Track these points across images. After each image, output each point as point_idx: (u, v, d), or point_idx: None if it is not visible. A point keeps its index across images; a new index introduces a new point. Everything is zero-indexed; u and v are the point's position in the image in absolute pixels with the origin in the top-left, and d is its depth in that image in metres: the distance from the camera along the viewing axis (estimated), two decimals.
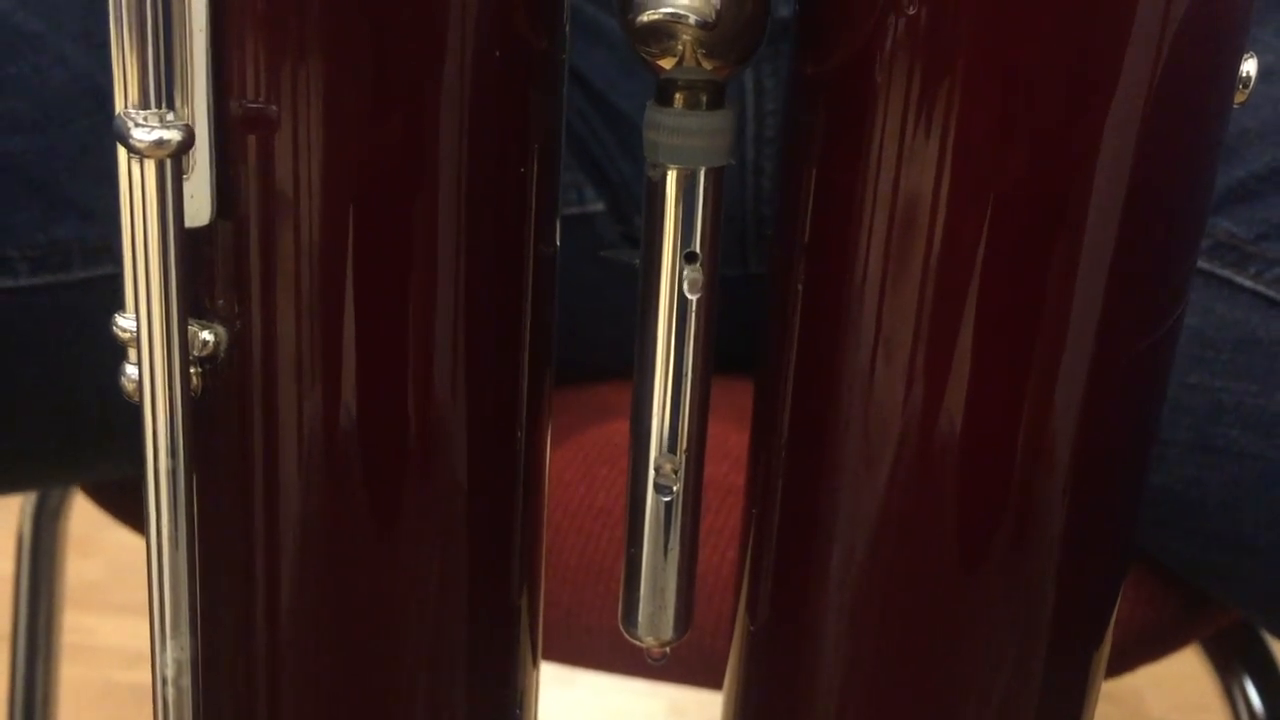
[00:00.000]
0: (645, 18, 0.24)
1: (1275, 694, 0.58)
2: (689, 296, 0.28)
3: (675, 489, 0.29)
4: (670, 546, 0.30)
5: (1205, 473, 0.48)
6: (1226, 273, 0.48)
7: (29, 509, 0.71)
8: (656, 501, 0.30)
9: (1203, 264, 0.49)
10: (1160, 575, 0.53)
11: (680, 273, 0.28)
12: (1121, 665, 0.54)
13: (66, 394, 0.49)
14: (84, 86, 0.48)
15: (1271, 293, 0.47)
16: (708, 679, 0.54)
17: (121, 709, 1.08)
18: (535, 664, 0.33)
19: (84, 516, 0.67)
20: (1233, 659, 0.58)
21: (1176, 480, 0.48)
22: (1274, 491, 0.46)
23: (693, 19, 0.24)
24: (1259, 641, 0.58)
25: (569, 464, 0.56)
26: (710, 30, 0.24)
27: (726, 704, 0.32)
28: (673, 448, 0.29)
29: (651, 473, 0.29)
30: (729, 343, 0.33)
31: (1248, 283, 0.48)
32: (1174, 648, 0.55)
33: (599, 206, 0.59)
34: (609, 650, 0.55)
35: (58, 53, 0.48)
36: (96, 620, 1.11)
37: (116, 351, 0.27)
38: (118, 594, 1.17)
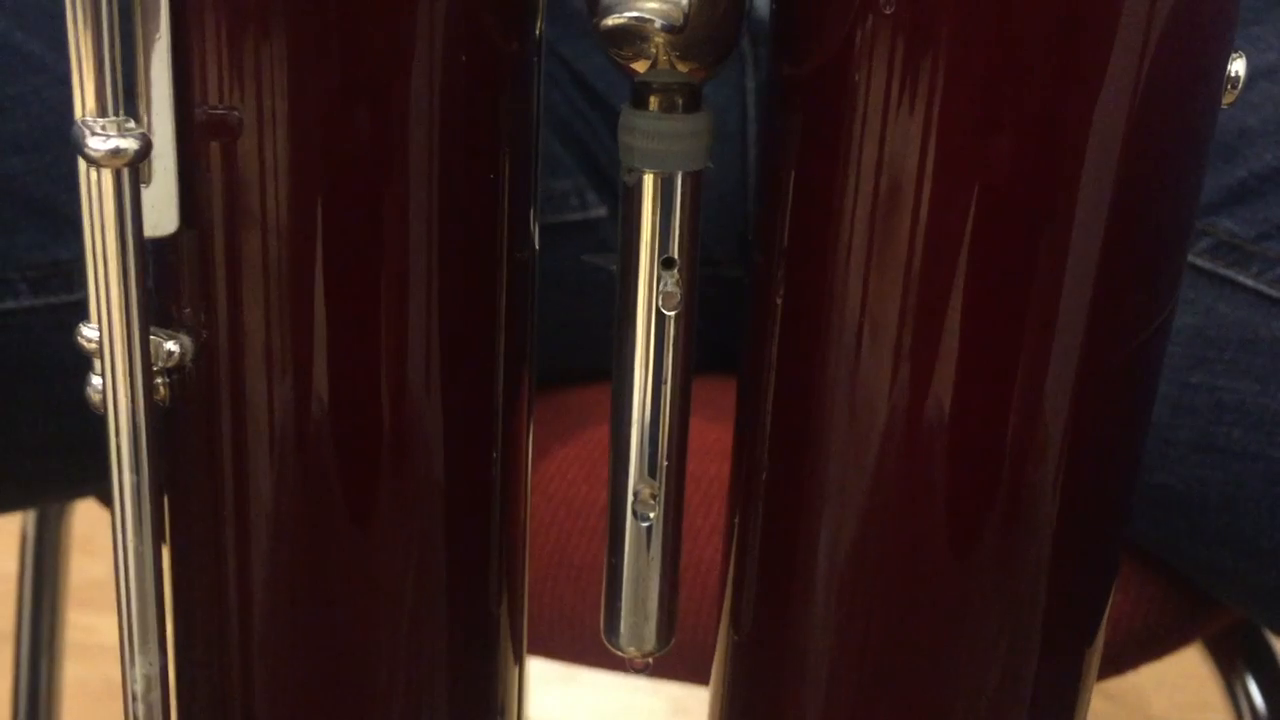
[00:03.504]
0: (610, 21, 0.23)
1: (1278, 693, 0.57)
2: (666, 313, 0.27)
3: (653, 515, 0.29)
4: (651, 560, 0.29)
5: (1207, 472, 0.47)
6: (1228, 272, 0.48)
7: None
8: (635, 524, 0.29)
9: (1204, 263, 0.48)
10: (1162, 574, 0.52)
11: (658, 284, 0.27)
12: (1123, 664, 0.54)
13: (68, 414, 0.49)
14: None
15: (1273, 292, 0.47)
16: (710, 677, 0.54)
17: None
18: (518, 660, 0.32)
19: (87, 515, 0.67)
20: (1235, 658, 0.58)
21: (1178, 479, 0.48)
22: (1275, 491, 0.46)
23: (659, 23, 0.23)
24: (1262, 641, 0.58)
25: (573, 463, 0.55)
26: (678, 34, 0.23)
27: (712, 714, 0.32)
28: (652, 470, 0.28)
29: (630, 497, 0.29)
30: (734, 344, 0.33)
31: (1249, 282, 0.48)
32: (1176, 647, 0.55)
33: (602, 212, 0.58)
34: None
35: (57, 73, 0.48)
36: (99, 619, 1.11)
37: None
38: None
